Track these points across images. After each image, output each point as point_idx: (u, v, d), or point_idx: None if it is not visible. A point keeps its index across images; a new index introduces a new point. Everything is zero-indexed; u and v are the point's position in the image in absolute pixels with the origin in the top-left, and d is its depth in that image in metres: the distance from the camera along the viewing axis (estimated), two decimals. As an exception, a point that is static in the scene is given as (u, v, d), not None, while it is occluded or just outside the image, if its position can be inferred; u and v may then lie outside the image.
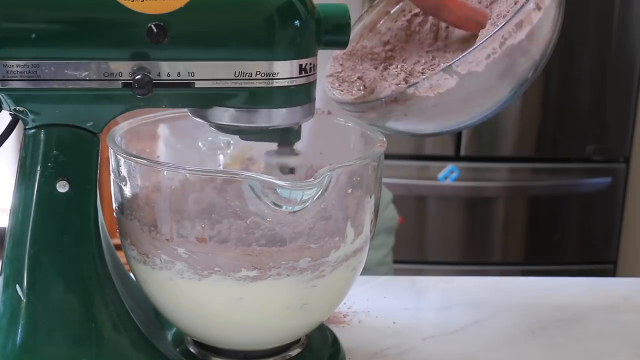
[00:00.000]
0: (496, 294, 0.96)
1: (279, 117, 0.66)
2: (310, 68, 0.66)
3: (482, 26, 0.75)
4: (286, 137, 0.69)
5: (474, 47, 0.69)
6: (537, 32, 0.71)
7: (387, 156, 0.73)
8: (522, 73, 0.74)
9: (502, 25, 0.69)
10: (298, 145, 0.71)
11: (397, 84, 0.73)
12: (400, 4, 0.86)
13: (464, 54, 0.70)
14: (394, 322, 0.88)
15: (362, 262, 0.72)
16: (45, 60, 0.62)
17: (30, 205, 0.65)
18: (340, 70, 0.80)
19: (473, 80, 0.71)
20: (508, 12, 0.73)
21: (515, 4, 0.72)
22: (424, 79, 0.71)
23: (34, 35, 0.61)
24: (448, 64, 0.70)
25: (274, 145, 0.70)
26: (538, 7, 0.70)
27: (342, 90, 0.77)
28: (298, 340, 0.76)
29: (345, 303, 0.90)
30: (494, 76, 0.72)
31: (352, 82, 0.77)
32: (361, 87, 0.76)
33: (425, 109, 0.73)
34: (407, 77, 0.74)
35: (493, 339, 0.85)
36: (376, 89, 0.74)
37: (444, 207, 2.39)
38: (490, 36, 0.69)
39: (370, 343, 0.83)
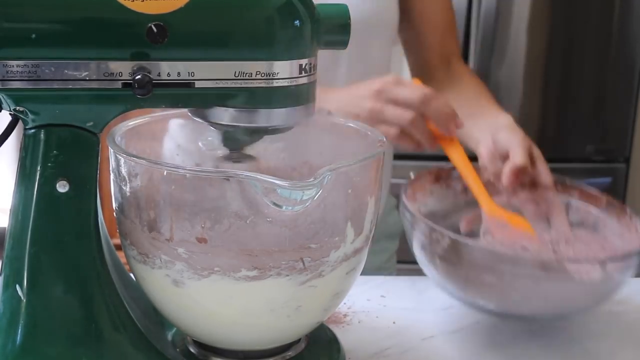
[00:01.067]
0: (496, 294, 0.96)
1: (279, 117, 0.66)
2: (310, 68, 0.66)
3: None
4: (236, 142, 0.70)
5: None
6: None
7: (387, 156, 0.73)
8: None
9: None
10: (295, 144, 0.71)
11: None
12: None
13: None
14: (394, 322, 0.88)
15: (362, 262, 0.72)
16: (45, 60, 0.62)
17: (30, 205, 0.65)
18: None
19: None
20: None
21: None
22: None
23: (34, 35, 0.61)
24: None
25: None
26: None
27: None
28: (298, 340, 0.76)
29: (345, 303, 0.90)
30: None
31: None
32: None
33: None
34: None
35: (493, 339, 0.85)
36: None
37: (444, 207, 2.38)
38: None
39: (370, 343, 0.83)
